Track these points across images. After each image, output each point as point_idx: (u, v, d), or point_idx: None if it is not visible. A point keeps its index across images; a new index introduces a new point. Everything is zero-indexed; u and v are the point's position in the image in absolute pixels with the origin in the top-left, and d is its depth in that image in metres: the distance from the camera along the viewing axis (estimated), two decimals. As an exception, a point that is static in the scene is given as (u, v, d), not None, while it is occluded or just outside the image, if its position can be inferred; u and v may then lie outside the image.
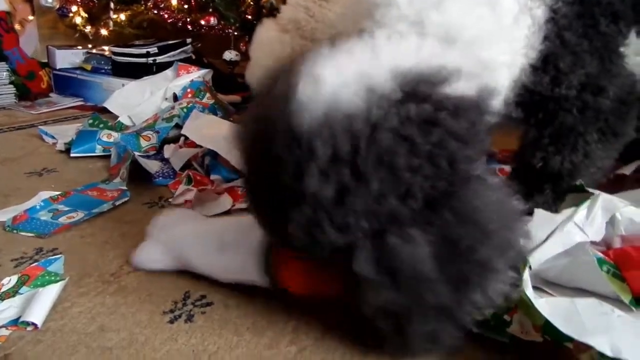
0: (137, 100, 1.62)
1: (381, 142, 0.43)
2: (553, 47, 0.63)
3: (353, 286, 0.50)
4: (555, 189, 0.73)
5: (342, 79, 0.44)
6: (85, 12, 2.26)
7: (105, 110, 1.59)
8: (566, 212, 0.66)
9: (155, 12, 2.05)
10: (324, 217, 0.46)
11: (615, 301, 0.61)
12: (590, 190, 0.68)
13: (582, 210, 0.65)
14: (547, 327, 0.55)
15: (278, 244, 0.57)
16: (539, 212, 0.66)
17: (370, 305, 0.50)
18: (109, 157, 1.27)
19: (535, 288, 0.66)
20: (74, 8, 2.21)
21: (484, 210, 0.48)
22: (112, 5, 1.93)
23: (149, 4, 2.06)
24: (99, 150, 1.32)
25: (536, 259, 0.65)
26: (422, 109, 0.44)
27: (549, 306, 0.58)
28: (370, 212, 0.46)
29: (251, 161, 0.51)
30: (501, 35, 0.59)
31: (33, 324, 0.63)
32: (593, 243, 0.65)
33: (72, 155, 1.29)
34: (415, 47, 0.48)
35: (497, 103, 0.61)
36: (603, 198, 0.68)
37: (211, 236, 0.75)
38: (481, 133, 0.48)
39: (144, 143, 1.31)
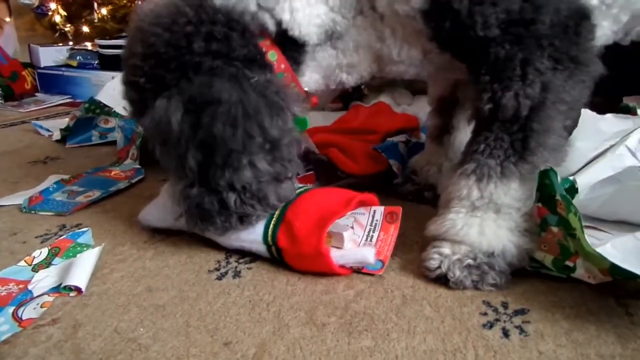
0: (130, 91, 1.58)
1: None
2: None
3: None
4: (516, 138, 0.59)
5: None
6: (64, 10, 2.20)
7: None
8: (611, 123, 0.64)
9: (139, 3, 2.00)
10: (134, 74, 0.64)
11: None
12: (641, 111, 0.67)
13: (636, 134, 0.64)
14: (616, 268, 0.53)
15: None
16: (584, 115, 0.64)
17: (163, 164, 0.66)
18: (108, 143, 1.23)
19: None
20: (53, 6, 2.15)
21: (225, 94, 0.60)
22: (95, -2, 1.88)
23: (131, -4, 2.02)
24: (95, 138, 1.28)
25: (584, 182, 0.64)
26: None
27: (616, 250, 0.56)
28: (145, 72, 0.63)
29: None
30: None
31: (77, 288, 0.60)
32: (644, 170, 0.65)
33: (67, 145, 1.25)
34: None
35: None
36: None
37: None
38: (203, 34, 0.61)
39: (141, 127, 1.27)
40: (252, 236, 0.66)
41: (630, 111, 0.70)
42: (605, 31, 0.68)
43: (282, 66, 0.66)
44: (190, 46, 0.61)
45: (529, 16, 0.57)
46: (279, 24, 0.64)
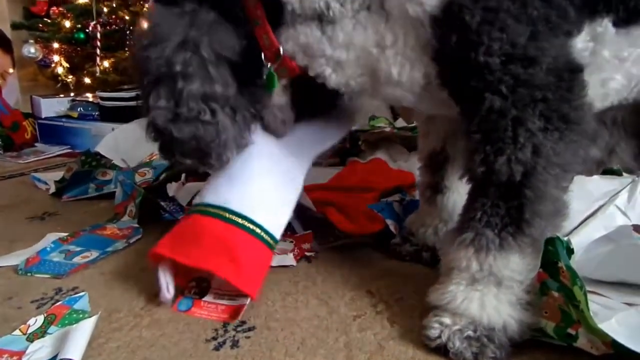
0: (129, 144, 1.60)
1: None
2: None
3: None
4: (511, 205, 0.59)
5: None
6: (67, 62, 2.26)
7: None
8: (599, 184, 0.66)
9: None
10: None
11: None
12: (626, 175, 0.69)
13: (624, 193, 0.66)
14: (619, 345, 0.52)
15: None
16: (577, 180, 0.65)
17: None
18: (106, 196, 1.24)
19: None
20: (56, 58, 2.21)
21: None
22: (98, 51, 1.93)
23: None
24: (91, 190, 1.28)
25: (577, 242, 0.65)
26: None
27: (620, 326, 0.56)
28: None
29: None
30: None
31: (72, 361, 0.59)
32: (636, 228, 0.66)
33: (63, 199, 1.25)
34: None
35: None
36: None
37: None
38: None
39: (138, 179, 1.28)
40: None
41: (615, 173, 0.72)
42: (616, 85, 0.67)
43: (258, 12, 0.68)
44: None
45: (532, 54, 0.57)
46: None
